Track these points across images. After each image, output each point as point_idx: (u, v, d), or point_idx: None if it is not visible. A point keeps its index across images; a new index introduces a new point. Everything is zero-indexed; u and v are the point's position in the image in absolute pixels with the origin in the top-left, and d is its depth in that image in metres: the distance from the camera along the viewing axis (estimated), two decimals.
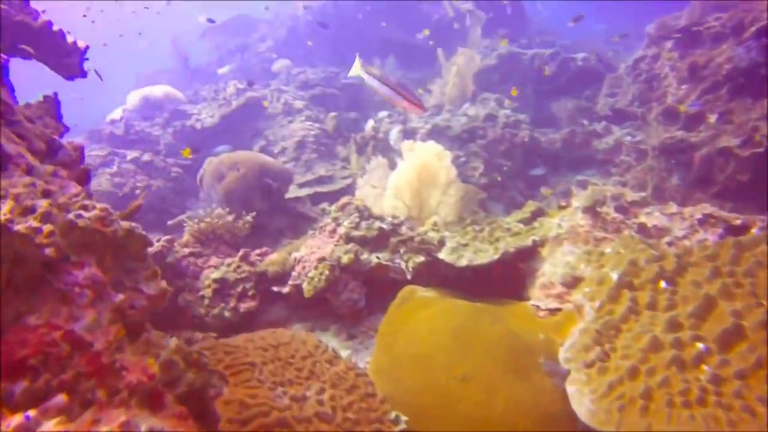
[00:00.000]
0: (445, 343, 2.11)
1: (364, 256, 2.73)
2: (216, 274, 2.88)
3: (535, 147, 5.23)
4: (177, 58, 9.95)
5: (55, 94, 1.91)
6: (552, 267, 2.56)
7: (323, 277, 2.63)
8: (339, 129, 5.71)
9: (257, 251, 3.13)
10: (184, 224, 3.36)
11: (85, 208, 1.06)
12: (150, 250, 2.86)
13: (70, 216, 1.02)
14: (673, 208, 2.85)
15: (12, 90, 1.54)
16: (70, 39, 2.19)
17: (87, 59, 2.31)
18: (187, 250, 3.12)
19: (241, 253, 3.02)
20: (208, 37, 11.32)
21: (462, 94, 6.56)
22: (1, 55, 1.53)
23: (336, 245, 2.82)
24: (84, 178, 1.52)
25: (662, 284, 1.91)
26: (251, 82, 6.09)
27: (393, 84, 2.46)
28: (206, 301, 2.81)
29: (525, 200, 5.04)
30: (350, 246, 2.74)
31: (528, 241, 2.74)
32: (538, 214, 3.31)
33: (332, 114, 5.80)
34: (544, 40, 8.44)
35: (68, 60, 2.18)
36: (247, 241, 3.52)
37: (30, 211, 0.95)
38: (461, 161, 4.96)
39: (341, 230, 2.88)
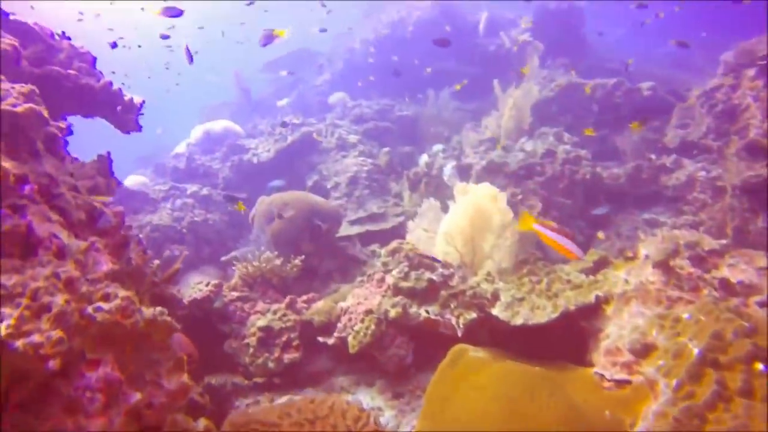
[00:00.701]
0: (499, 418, 1.92)
1: (413, 309, 2.59)
2: (261, 322, 2.82)
3: (597, 184, 4.93)
4: (239, 91, 10.33)
5: (108, 153, 1.93)
6: (618, 329, 2.31)
7: (369, 331, 2.50)
8: (392, 164, 5.65)
9: (304, 297, 3.07)
10: (234, 265, 3.36)
11: (106, 297, 1.00)
12: (197, 295, 2.86)
13: (89, 310, 0.96)
14: (762, 260, 2.54)
15: (62, 159, 1.55)
16: (127, 96, 2.25)
17: (142, 114, 2.37)
18: (235, 294, 3.10)
19: (287, 300, 2.96)
20: (268, 71, 11.73)
21: (518, 127, 6.36)
22: (54, 124, 1.54)
23: (384, 296, 2.70)
24: (123, 243, 1.49)
25: (759, 366, 1.65)
26: (285, 123, 6.16)
27: (565, 233, 2.48)
28: (251, 350, 2.75)
29: (586, 240, 4.74)
30: (398, 299, 2.61)
31: (590, 297, 2.51)
32: (602, 264, 3.06)
33: (385, 149, 5.76)
34: (605, 68, 8.11)
35: (126, 116, 2.23)
36: (296, 284, 3.47)
37: (46, 309, 0.89)
38: (518, 199, 4.75)
39: (389, 280, 2.76)
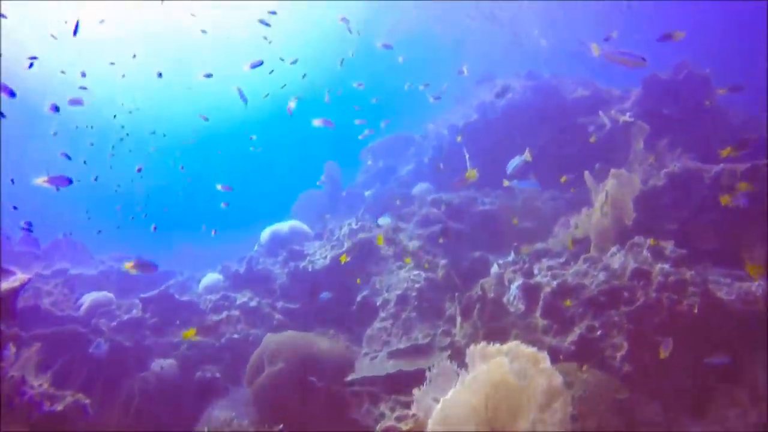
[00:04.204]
0: None
1: None
2: None
3: (716, 316, 3.63)
4: (328, 180, 10.34)
5: None
6: None
7: None
8: (450, 278, 4.86)
9: None
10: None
11: None
12: None
13: None
14: None
15: None
16: None
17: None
18: None
19: None
20: (365, 158, 11.75)
21: (617, 226, 5.22)
22: None
23: None
24: None
25: None
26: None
27: None
28: None
29: (696, 398, 3.41)
30: None
31: None
32: None
33: (443, 262, 5.00)
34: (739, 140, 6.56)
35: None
36: None
37: None
38: (597, 335, 3.65)
39: None
